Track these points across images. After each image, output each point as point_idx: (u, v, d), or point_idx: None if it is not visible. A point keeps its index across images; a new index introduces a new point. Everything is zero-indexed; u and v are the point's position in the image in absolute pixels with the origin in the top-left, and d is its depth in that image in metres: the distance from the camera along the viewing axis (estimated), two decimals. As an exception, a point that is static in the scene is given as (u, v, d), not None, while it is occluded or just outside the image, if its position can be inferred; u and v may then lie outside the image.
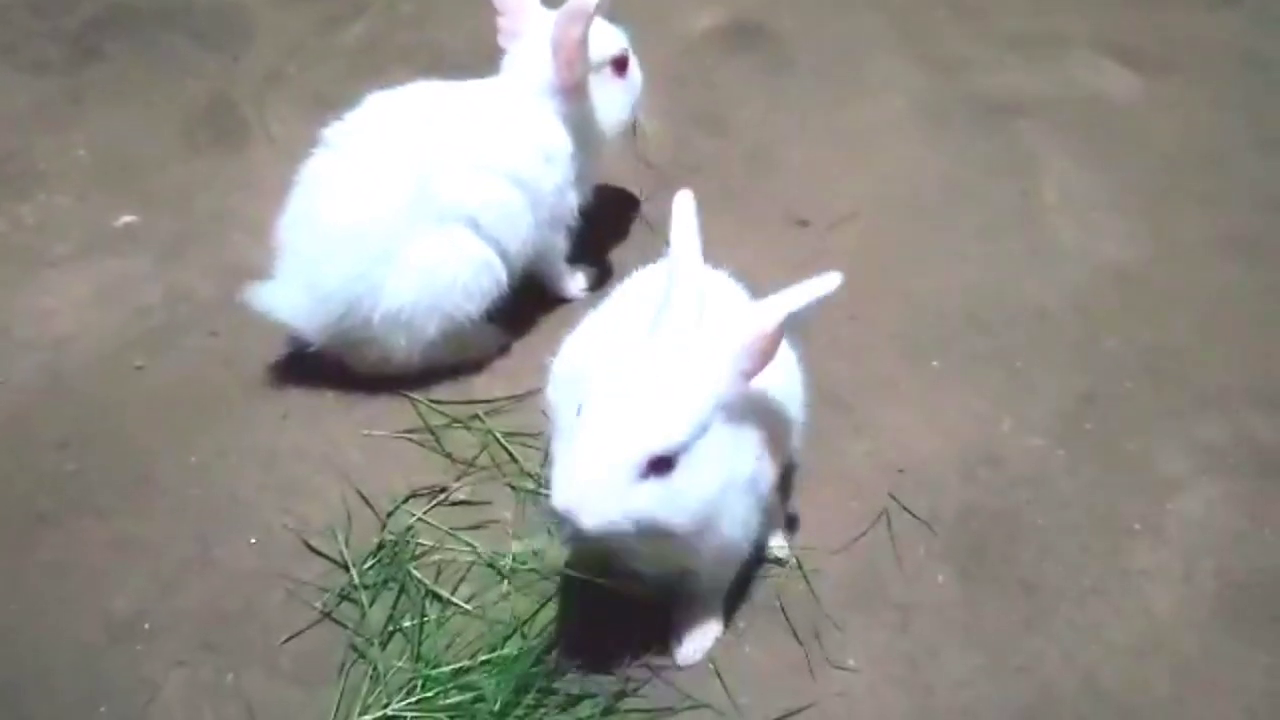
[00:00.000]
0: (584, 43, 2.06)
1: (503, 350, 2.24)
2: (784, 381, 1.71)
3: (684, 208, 1.59)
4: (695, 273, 1.54)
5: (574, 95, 2.14)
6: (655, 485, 1.44)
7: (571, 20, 2.03)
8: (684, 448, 1.44)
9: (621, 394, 1.45)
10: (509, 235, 2.09)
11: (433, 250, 2.01)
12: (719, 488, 1.52)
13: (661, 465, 1.43)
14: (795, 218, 2.55)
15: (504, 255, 2.10)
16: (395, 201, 1.98)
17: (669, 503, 1.46)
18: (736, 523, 1.60)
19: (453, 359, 2.16)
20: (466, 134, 2.07)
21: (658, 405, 1.44)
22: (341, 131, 2.06)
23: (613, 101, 2.21)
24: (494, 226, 2.06)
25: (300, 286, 2.01)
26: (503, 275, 2.11)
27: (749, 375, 1.51)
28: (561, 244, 2.26)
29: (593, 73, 2.15)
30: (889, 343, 2.28)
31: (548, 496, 1.44)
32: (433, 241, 2.01)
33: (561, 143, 2.15)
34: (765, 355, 1.50)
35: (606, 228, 2.35)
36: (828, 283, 1.50)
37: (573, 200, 2.22)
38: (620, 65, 2.21)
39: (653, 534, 1.48)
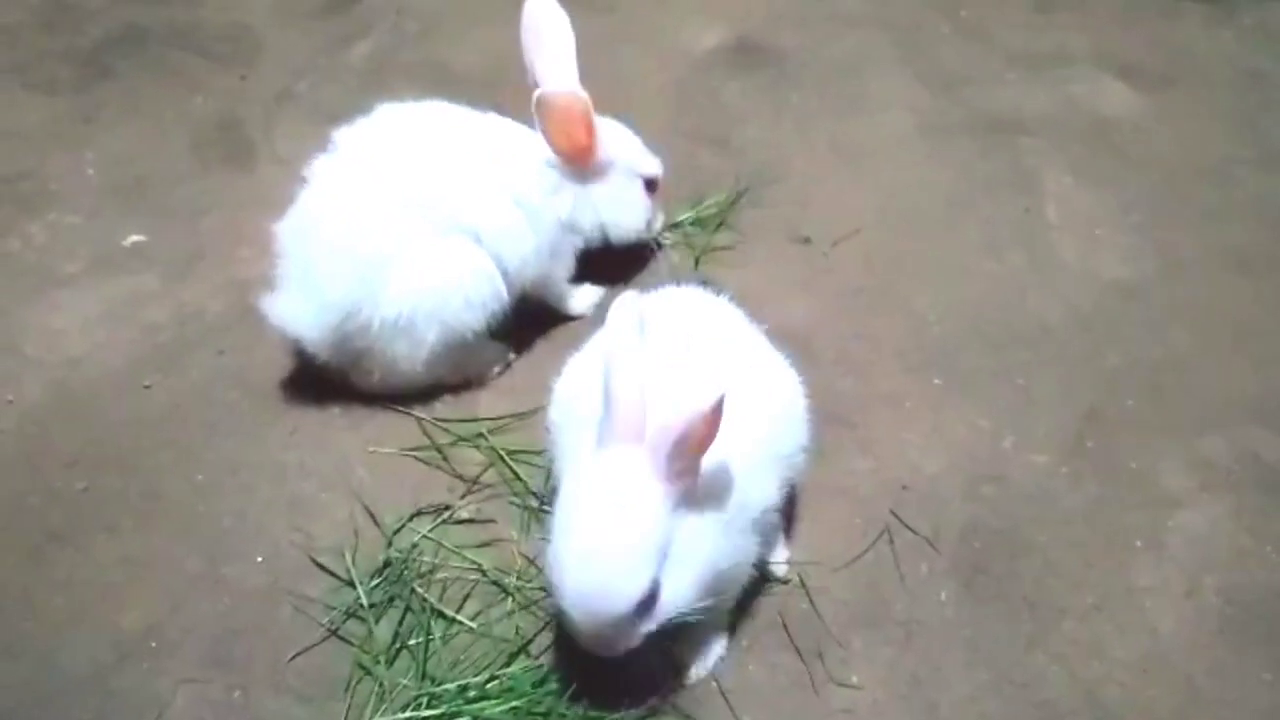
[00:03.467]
0: (562, 121, 2.09)
1: (507, 368, 2.25)
2: (787, 405, 1.72)
3: (624, 311, 1.50)
4: (634, 379, 1.47)
5: (578, 168, 2.18)
6: (649, 614, 1.51)
7: (535, 106, 2.08)
8: (655, 580, 1.48)
9: (584, 559, 1.46)
10: (510, 252, 2.09)
11: (433, 258, 2.01)
12: (708, 570, 1.54)
13: (646, 603, 1.49)
14: (798, 235, 2.56)
15: (505, 272, 2.10)
16: (394, 209, 1.99)
17: (666, 611, 1.52)
18: (738, 561, 1.63)
19: (456, 376, 2.17)
20: (476, 151, 2.08)
21: (616, 569, 1.46)
22: (349, 137, 2.07)
23: (629, 204, 2.28)
24: (495, 242, 2.07)
25: (301, 293, 2.02)
26: (502, 289, 2.10)
27: (696, 463, 1.48)
28: (563, 270, 2.27)
29: (618, 169, 2.24)
30: (892, 360, 2.29)
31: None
32: (433, 249, 2.01)
33: (561, 187, 2.18)
34: (705, 439, 1.45)
35: (611, 247, 2.36)
36: (712, 393, 1.41)
37: (573, 243, 2.26)
38: (650, 185, 2.31)
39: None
